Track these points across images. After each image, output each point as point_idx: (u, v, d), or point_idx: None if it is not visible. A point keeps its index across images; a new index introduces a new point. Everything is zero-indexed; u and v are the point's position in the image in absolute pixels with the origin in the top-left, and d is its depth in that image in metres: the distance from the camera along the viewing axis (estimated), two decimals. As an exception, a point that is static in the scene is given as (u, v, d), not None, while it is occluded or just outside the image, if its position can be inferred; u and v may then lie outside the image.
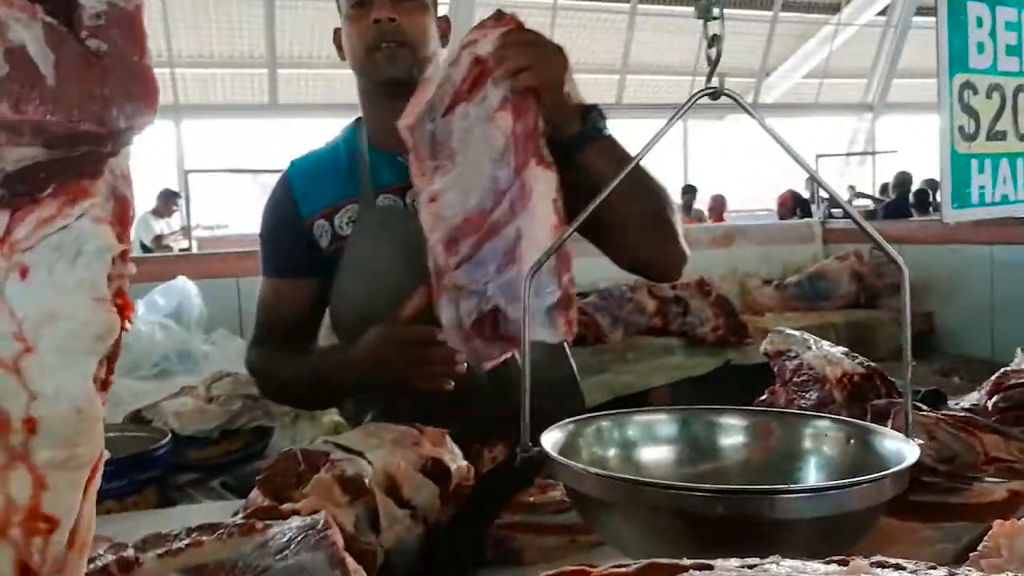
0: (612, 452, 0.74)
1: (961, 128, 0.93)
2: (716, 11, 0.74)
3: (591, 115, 1.00)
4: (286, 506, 0.77)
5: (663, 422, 0.75)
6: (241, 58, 8.86)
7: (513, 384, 1.19)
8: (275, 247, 1.24)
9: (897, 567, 0.36)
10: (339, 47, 1.23)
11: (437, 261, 0.96)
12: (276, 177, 1.27)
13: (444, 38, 1.21)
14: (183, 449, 1.42)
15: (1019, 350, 1.12)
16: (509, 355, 1.00)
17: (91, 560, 0.64)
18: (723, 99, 0.72)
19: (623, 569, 0.35)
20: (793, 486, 0.54)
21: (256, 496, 0.85)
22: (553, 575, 0.36)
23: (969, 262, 3.17)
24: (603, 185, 0.73)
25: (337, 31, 1.23)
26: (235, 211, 6.89)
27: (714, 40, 0.72)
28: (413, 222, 1.14)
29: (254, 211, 1.39)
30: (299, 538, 0.63)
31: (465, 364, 1.01)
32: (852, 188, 8.18)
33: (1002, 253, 3.06)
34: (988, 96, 0.94)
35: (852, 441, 0.68)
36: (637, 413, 0.76)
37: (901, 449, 0.63)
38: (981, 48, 0.94)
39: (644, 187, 1.04)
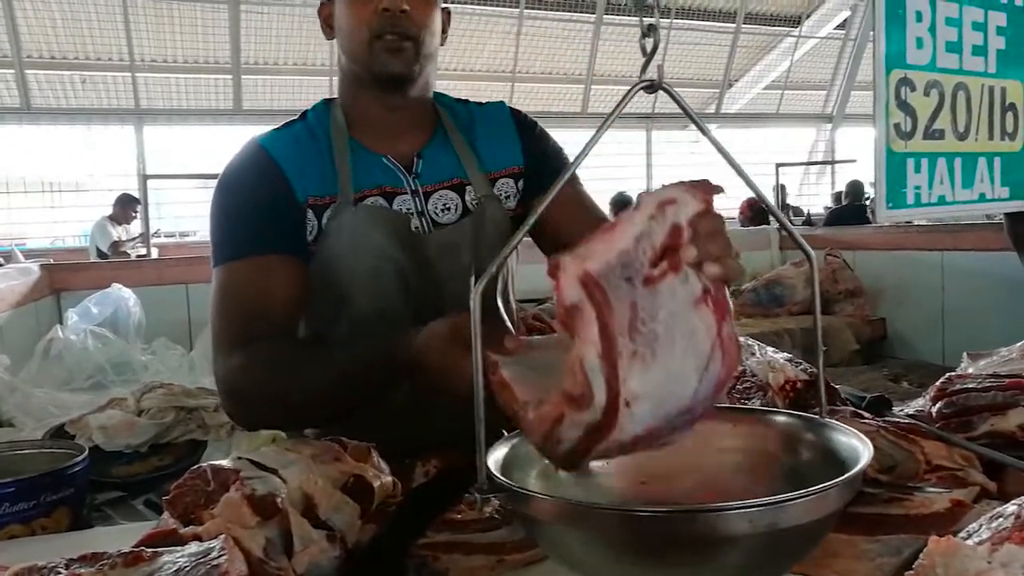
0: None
1: (897, 126, 0.91)
2: (651, 0, 0.71)
3: None
4: (187, 530, 0.71)
5: None
6: (205, 63, 8.70)
7: (458, 396, 1.13)
8: (265, 220, 1.01)
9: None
10: (327, 24, 1.09)
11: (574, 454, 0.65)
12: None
13: (444, 32, 1.11)
14: (107, 465, 1.34)
15: (965, 355, 1.11)
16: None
17: (-49, 597, 0.57)
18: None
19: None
20: (729, 503, 0.50)
21: (167, 517, 0.79)
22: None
23: (920, 268, 3.22)
24: None
25: (325, 4, 1.09)
26: (199, 218, 6.69)
27: (650, 30, 0.69)
28: (401, 226, 1.05)
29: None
30: (189, 568, 0.57)
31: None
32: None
33: (952, 259, 3.11)
34: (926, 93, 0.92)
35: (804, 437, 0.64)
36: None
37: (855, 446, 0.59)
38: (920, 44, 0.92)
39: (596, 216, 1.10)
